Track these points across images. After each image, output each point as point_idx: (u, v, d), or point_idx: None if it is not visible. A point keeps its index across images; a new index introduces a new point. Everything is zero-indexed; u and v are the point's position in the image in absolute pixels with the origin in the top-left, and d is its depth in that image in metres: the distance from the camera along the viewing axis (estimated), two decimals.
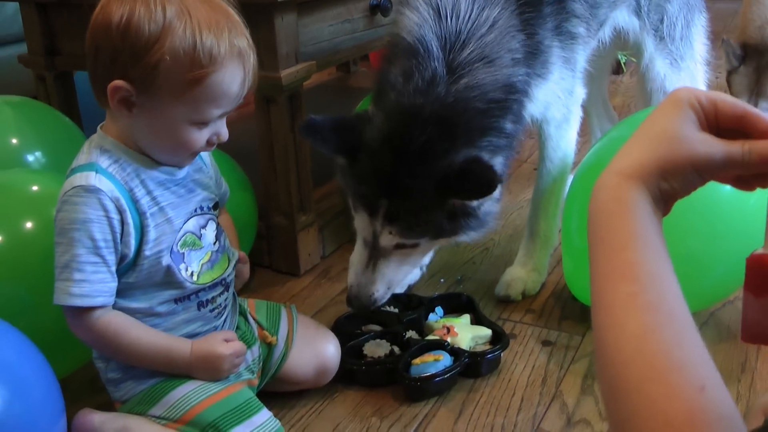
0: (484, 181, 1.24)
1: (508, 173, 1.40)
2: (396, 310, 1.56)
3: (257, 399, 1.19)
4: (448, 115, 1.27)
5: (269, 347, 1.30)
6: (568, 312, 1.59)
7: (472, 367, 1.38)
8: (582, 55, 1.62)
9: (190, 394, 1.14)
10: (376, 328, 1.53)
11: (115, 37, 1.04)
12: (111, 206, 1.08)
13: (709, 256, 1.36)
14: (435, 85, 1.28)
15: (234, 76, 1.09)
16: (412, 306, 1.58)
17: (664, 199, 0.68)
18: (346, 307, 1.60)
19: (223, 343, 1.17)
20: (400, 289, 1.66)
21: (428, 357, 1.36)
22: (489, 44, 1.33)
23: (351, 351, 1.42)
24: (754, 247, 0.70)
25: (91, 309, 1.09)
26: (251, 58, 1.11)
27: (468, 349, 1.41)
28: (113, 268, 1.10)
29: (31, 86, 2.00)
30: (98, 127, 1.16)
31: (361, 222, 1.37)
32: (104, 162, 1.11)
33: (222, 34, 1.06)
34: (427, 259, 1.70)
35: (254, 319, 1.33)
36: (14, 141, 1.65)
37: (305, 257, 1.79)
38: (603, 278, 0.65)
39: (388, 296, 1.44)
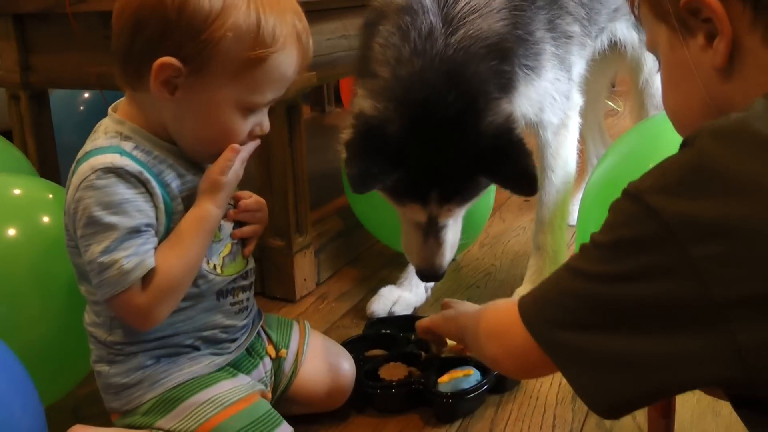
0: (525, 175, 1.25)
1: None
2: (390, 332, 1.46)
3: (276, 412, 1.07)
4: (453, 70, 1.23)
5: (278, 362, 1.19)
6: None
7: (499, 381, 1.28)
8: (578, 58, 1.57)
9: (206, 404, 1.02)
10: (381, 352, 1.42)
11: (170, 11, 0.94)
12: (142, 187, 0.98)
13: None
14: (434, 40, 1.24)
15: (292, 59, 1.03)
16: (412, 328, 1.48)
17: None
18: (349, 332, 1.51)
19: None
20: (406, 311, 1.60)
21: (457, 373, 1.26)
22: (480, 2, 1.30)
23: (366, 376, 1.30)
24: None
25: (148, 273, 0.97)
26: (305, 41, 1.05)
27: None
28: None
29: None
30: (110, 110, 1.05)
31: (411, 211, 1.33)
32: (127, 146, 1.00)
33: (284, 15, 1.01)
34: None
35: (264, 332, 1.21)
36: None
37: (301, 282, 1.68)
38: None
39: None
